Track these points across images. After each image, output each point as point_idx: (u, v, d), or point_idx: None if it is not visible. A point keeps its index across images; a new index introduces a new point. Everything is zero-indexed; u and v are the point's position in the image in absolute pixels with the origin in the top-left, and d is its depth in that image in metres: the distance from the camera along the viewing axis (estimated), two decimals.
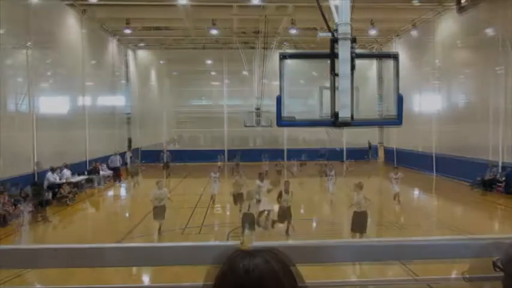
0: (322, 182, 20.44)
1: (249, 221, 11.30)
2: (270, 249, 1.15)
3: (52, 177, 17.71)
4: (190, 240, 11.84)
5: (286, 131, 32.74)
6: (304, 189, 19.44)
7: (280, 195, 12.64)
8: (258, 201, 12.38)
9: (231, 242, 2.53)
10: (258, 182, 14.52)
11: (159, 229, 12.39)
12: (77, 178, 19.65)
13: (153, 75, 35.51)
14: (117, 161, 23.66)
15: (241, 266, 1.08)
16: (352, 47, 5.01)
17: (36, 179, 16.80)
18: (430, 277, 3.27)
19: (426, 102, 26.62)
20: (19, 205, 14.23)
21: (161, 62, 34.58)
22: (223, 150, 33.26)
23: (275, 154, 32.53)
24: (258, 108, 26.69)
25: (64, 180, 18.63)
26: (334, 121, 5.24)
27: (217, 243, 6.51)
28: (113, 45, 28.89)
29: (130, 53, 33.46)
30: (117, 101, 29.86)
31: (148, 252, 2.28)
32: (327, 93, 5.48)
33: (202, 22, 26.39)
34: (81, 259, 2.24)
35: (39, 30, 18.34)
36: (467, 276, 1.33)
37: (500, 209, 16.38)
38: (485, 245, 2.14)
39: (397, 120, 5.35)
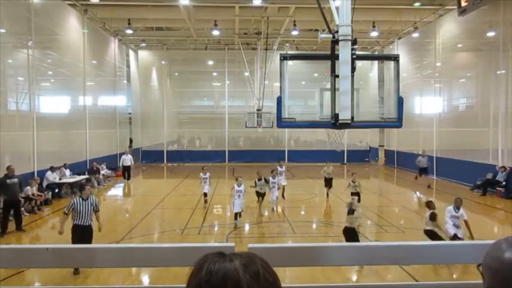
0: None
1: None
2: (248, 254, 1.13)
3: (51, 177, 17.71)
4: (189, 241, 11.83)
5: (287, 132, 32.78)
6: None
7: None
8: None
9: (229, 244, 2.53)
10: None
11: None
12: (76, 178, 19.63)
13: (154, 75, 35.51)
14: (128, 160, 24.12)
15: (207, 267, 1.08)
16: (352, 49, 5.02)
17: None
18: (430, 283, 3.26)
19: (427, 105, 26.61)
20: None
21: (163, 62, 34.60)
22: (224, 151, 33.31)
23: (276, 155, 32.62)
24: (259, 109, 26.71)
25: (64, 180, 18.66)
26: (335, 122, 5.24)
27: (215, 244, 6.50)
28: (114, 45, 28.90)
29: (131, 53, 33.48)
30: (118, 101, 29.88)
31: (142, 253, 2.27)
32: (327, 95, 5.48)
33: (204, 23, 26.42)
34: (73, 259, 2.23)
35: (41, 30, 18.36)
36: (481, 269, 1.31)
37: (500, 213, 16.34)
38: (484, 249, 2.14)
39: (397, 122, 5.36)
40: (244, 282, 1.04)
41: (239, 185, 13.89)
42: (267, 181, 15.37)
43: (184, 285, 1.13)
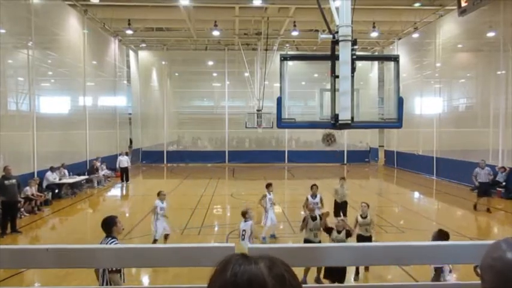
0: None
1: None
2: (270, 258, 1.11)
3: (51, 177, 17.70)
4: (189, 241, 11.83)
5: (287, 132, 32.77)
6: None
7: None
8: None
9: (229, 244, 2.55)
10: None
11: None
12: (76, 178, 19.62)
13: (154, 75, 35.53)
14: (125, 162, 23.37)
15: (232, 269, 1.06)
16: (352, 49, 5.02)
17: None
18: (430, 283, 3.25)
19: (427, 105, 26.61)
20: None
21: (163, 62, 34.60)
22: (224, 151, 33.32)
23: (276, 156, 32.65)
24: (259, 110, 26.73)
25: (64, 180, 18.64)
26: (335, 123, 5.24)
27: (215, 244, 6.50)
28: (114, 46, 28.91)
29: (132, 53, 33.49)
30: (118, 101, 29.88)
31: (142, 253, 2.27)
32: (327, 95, 5.48)
33: (204, 23, 26.43)
34: (73, 259, 2.23)
35: (41, 30, 18.36)
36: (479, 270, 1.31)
37: (500, 214, 16.33)
38: (485, 249, 2.13)
39: (397, 122, 5.36)
40: (270, 285, 1.03)
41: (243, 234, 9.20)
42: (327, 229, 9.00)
43: (185, 285, 1.12)
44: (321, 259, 2.47)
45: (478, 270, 1.29)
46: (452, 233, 12.62)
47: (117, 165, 24.02)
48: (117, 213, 16.78)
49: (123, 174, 23.25)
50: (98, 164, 22.62)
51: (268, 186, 12.62)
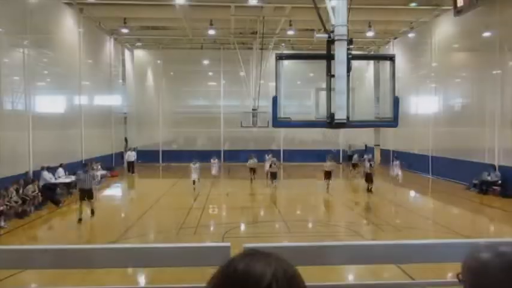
0: None
1: None
2: (267, 252, 1.16)
3: (48, 177, 17.61)
4: (185, 241, 11.81)
5: (283, 131, 32.73)
6: None
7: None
8: None
9: (225, 243, 2.54)
10: None
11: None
12: (72, 178, 19.48)
13: (150, 74, 35.41)
14: (132, 157, 27.34)
15: (242, 266, 1.08)
16: (348, 49, 5.03)
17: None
18: (427, 281, 3.26)
19: (423, 104, 26.68)
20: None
21: (158, 61, 34.50)
22: (220, 151, 33.23)
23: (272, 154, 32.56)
24: (254, 109, 26.68)
25: (60, 180, 18.54)
26: (330, 122, 5.25)
27: (211, 244, 6.49)
28: (110, 45, 28.81)
29: (127, 52, 33.38)
30: (113, 100, 29.79)
31: (138, 253, 2.26)
32: (323, 94, 5.50)
33: (199, 22, 26.35)
34: (71, 260, 2.22)
35: (36, 29, 18.23)
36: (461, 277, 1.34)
37: (496, 212, 16.42)
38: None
39: (393, 122, 5.38)
40: (280, 274, 1.07)
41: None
42: None
43: (185, 285, 1.12)
44: (317, 258, 2.47)
45: (460, 277, 1.32)
46: (448, 231, 12.71)
47: (125, 159, 27.58)
48: (112, 213, 16.80)
49: (130, 167, 27.13)
50: (93, 163, 22.48)
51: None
